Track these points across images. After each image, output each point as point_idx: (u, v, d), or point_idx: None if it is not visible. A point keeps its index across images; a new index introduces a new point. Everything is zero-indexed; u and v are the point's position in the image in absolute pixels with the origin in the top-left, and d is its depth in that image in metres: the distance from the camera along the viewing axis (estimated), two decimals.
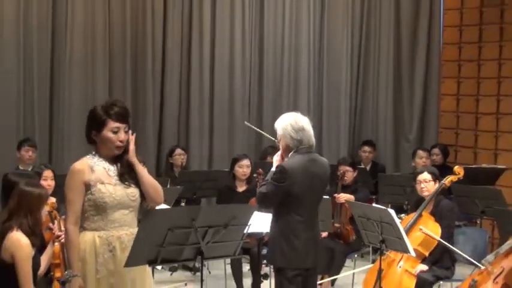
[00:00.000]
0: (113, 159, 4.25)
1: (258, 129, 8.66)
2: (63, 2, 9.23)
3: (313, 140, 5.25)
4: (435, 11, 10.82)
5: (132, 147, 4.20)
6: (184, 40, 9.96)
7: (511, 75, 9.84)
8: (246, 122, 9.39)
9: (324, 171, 5.34)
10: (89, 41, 9.38)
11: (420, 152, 9.39)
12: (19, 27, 9.02)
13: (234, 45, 10.11)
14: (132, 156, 4.21)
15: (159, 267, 6.72)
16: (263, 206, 5.37)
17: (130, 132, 4.27)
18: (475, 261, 6.04)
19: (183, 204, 8.26)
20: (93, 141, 4.23)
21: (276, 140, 5.50)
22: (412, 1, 10.82)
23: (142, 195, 4.30)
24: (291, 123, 5.18)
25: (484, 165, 9.32)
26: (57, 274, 5.20)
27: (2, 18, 8.94)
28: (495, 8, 10.02)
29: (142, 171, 4.29)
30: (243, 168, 7.97)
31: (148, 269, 4.40)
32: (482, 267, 5.82)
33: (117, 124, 4.15)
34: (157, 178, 8.05)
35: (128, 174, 4.24)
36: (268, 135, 7.69)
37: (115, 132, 4.15)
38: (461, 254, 6.38)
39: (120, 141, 4.17)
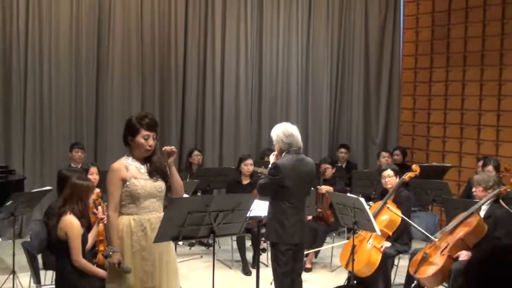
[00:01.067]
0: (143, 160, 4.27)
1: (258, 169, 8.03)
2: (105, 38, 9.30)
3: (300, 143, 5.33)
4: (395, 43, 10.82)
5: (171, 157, 4.26)
6: (200, 66, 9.95)
7: (456, 93, 9.75)
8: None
9: (310, 168, 5.41)
10: (125, 67, 9.45)
11: (383, 153, 9.35)
12: (72, 60, 9.11)
13: (239, 70, 10.11)
14: (171, 162, 4.28)
15: (180, 243, 6.54)
16: (262, 194, 5.36)
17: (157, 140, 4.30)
18: (428, 235, 5.94)
19: (199, 193, 8.13)
20: (129, 144, 4.28)
21: (272, 146, 5.55)
22: (377, 36, 10.77)
23: (167, 188, 4.34)
24: (282, 130, 5.28)
25: (434, 164, 9.32)
26: (101, 248, 5.19)
27: (58, 53, 9.02)
28: (443, 40, 9.94)
29: (175, 172, 4.35)
30: (247, 165, 7.98)
31: (172, 244, 4.43)
32: (432, 243, 5.82)
33: (147, 132, 4.20)
34: (179, 173, 8.29)
35: (155, 172, 4.26)
36: (259, 169, 7.60)
37: (146, 139, 4.20)
38: (418, 228, 6.28)
39: (149, 146, 4.23)
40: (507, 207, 5.92)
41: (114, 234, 4.18)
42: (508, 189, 6.12)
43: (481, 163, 7.77)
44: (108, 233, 4.37)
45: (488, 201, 5.84)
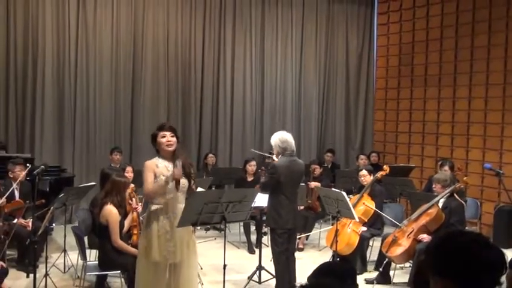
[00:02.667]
0: (171, 159, 4.16)
1: (260, 152, 8.51)
2: (139, 63, 9.27)
3: (293, 147, 5.30)
4: (370, 68, 10.79)
5: (179, 172, 4.04)
6: (214, 85, 9.91)
7: (419, 108, 9.72)
8: (252, 150, 9.17)
9: (300, 168, 5.38)
10: (154, 87, 9.43)
11: (361, 156, 9.34)
12: (112, 81, 9.13)
13: (245, 88, 10.07)
14: (179, 175, 4.05)
15: (198, 227, 6.37)
16: (264, 191, 5.35)
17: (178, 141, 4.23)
18: (397, 223, 6.03)
19: (213, 188, 8.04)
20: (157, 150, 4.25)
21: (272, 153, 5.51)
22: (356, 62, 10.71)
23: (189, 184, 4.25)
24: (279, 137, 5.27)
25: (401, 165, 9.28)
26: (134, 232, 5.13)
27: (101, 76, 9.03)
28: (408, 66, 9.95)
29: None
30: (251, 166, 8.03)
31: (191, 228, 4.37)
32: (400, 228, 5.85)
33: (163, 132, 4.18)
34: (197, 172, 8.12)
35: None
36: (266, 154, 7.51)
37: (163, 137, 4.17)
38: (388, 217, 6.42)
39: (168, 141, 4.16)
40: (460, 200, 5.93)
41: (159, 184, 4.07)
42: (461, 186, 6.15)
43: (439, 164, 7.74)
44: (145, 219, 4.29)
45: (445, 195, 5.81)
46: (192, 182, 4.31)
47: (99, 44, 9.07)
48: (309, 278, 2.07)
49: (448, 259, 1.66)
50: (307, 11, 10.44)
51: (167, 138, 4.17)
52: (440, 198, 5.79)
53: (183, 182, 4.18)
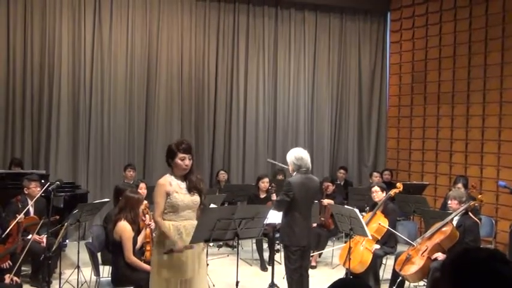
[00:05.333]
0: (183, 177, 4.18)
1: (277, 163, 8.10)
2: (153, 83, 9.37)
3: (309, 165, 5.26)
4: (383, 86, 10.79)
5: (180, 250, 4.06)
6: (227, 103, 9.97)
7: (432, 125, 9.69)
8: (268, 159, 9.12)
9: (315, 185, 5.36)
10: (168, 105, 9.50)
11: (375, 173, 9.30)
12: (126, 99, 9.21)
13: (258, 106, 10.10)
14: (179, 250, 4.08)
15: (210, 244, 6.34)
16: (278, 208, 5.25)
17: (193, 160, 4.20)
18: (410, 241, 5.98)
19: (226, 204, 7.99)
20: (170, 165, 4.21)
21: (286, 166, 5.49)
22: (368, 79, 10.71)
23: (200, 200, 4.25)
24: (294, 155, 5.25)
25: (414, 182, 9.11)
26: (147, 248, 5.16)
27: (116, 94, 9.12)
28: (421, 83, 9.92)
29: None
30: (264, 183, 7.93)
31: (202, 245, 4.32)
32: (414, 246, 5.80)
33: (183, 155, 4.13)
34: (210, 188, 8.17)
35: (193, 188, 4.19)
36: (281, 164, 7.15)
37: (182, 160, 4.13)
38: (401, 236, 6.36)
39: (186, 165, 4.14)
40: (475, 218, 5.86)
41: (168, 233, 4.10)
42: (476, 204, 6.09)
43: (454, 181, 7.69)
44: (157, 236, 4.27)
45: (460, 213, 5.75)
46: (203, 197, 4.33)
47: (113, 64, 9.18)
48: None
49: (464, 274, 1.64)
50: (319, 28, 10.48)
51: (186, 162, 4.16)
52: (455, 216, 5.73)
53: (195, 198, 4.20)
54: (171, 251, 4.08)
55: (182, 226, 4.16)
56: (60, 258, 5.97)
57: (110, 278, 5.17)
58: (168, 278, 4.15)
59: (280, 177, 8.83)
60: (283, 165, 6.34)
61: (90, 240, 5.93)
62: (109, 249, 5.32)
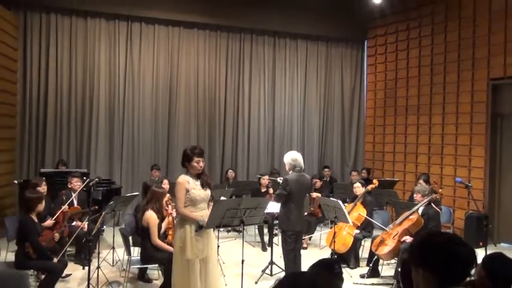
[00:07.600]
0: (196, 176, 4.15)
1: (273, 178, 7.66)
2: (174, 97, 9.34)
3: (302, 165, 5.23)
4: (361, 100, 10.74)
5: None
6: (235, 115, 9.90)
7: (401, 132, 9.63)
8: (258, 175, 8.46)
9: (307, 181, 5.32)
10: (186, 116, 9.48)
11: (353, 172, 9.25)
12: (152, 111, 9.23)
13: (260, 117, 10.04)
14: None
15: (221, 229, 6.33)
16: (277, 200, 5.22)
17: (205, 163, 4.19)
18: (384, 227, 5.99)
19: (234, 197, 7.77)
20: (185, 166, 4.17)
21: (279, 179, 5.54)
22: (350, 95, 10.64)
23: (211, 195, 4.25)
24: (290, 157, 5.21)
25: (387, 179, 9.07)
26: (170, 232, 5.06)
27: (144, 107, 9.14)
28: (392, 98, 9.87)
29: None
30: (264, 180, 7.92)
31: (213, 231, 4.30)
32: (387, 231, 5.78)
33: (198, 158, 4.11)
34: (220, 184, 8.17)
35: (205, 184, 4.18)
36: (275, 179, 6.98)
37: (197, 163, 4.11)
38: (377, 223, 6.39)
39: (200, 167, 4.12)
40: (436, 208, 5.84)
41: (193, 216, 4.07)
42: (437, 196, 6.07)
43: (418, 177, 7.64)
44: (178, 223, 4.22)
45: (424, 204, 5.72)
46: (212, 191, 4.34)
47: (142, 84, 9.23)
48: (308, 269, 2.20)
49: (429, 254, 1.65)
50: (309, 54, 10.49)
51: (200, 164, 4.14)
52: (420, 206, 5.69)
53: (207, 192, 4.19)
54: (201, 227, 4.07)
55: (199, 216, 4.14)
56: (99, 240, 6.01)
57: (139, 257, 5.17)
58: (189, 259, 4.11)
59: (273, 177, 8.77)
60: (274, 178, 6.41)
61: (123, 226, 5.85)
62: (138, 234, 5.31)
